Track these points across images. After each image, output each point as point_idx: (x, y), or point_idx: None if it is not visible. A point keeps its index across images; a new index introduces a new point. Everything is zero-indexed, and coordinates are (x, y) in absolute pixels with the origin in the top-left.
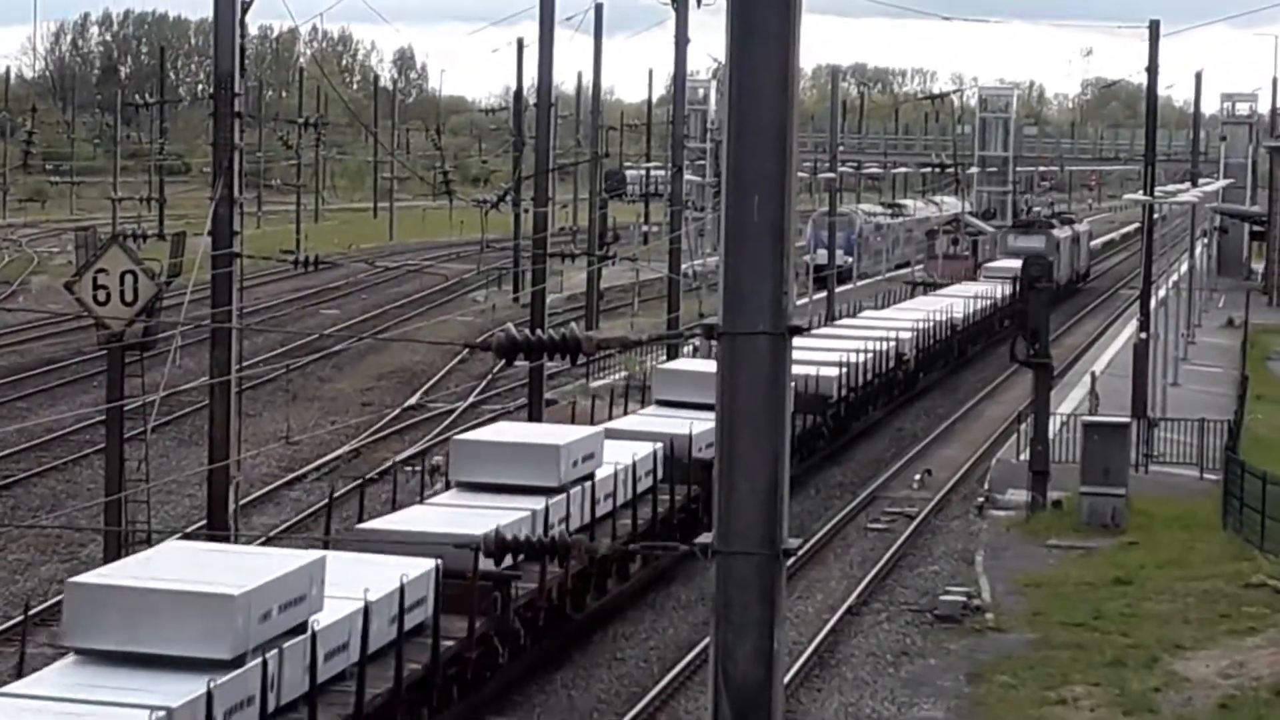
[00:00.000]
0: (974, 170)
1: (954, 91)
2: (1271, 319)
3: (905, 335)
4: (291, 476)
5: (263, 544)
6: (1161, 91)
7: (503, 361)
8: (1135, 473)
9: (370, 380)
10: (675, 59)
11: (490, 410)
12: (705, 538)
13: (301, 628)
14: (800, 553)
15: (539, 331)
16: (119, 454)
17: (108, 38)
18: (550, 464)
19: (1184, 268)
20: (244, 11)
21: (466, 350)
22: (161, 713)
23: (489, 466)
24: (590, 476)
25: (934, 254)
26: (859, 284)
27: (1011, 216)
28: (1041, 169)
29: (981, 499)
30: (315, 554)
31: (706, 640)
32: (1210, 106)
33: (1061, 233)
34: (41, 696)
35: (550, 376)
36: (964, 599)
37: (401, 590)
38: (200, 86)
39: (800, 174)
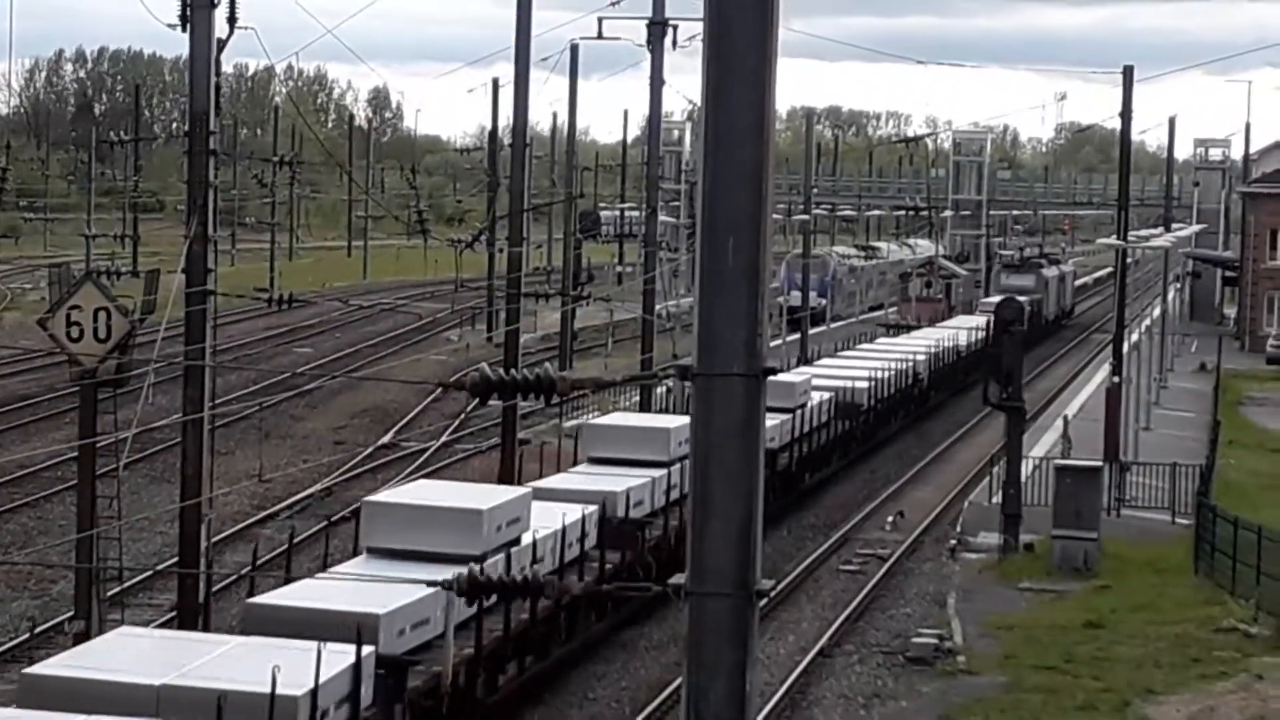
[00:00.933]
0: (947, 213)
1: (928, 135)
2: (1244, 364)
3: (920, 358)
4: (264, 514)
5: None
6: (1135, 137)
7: (476, 401)
8: (1107, 516)
9: (343, 419)
10: (650, 100)
11: (463, 449)
12: (678, 578)
13: (518, 540)
14: (773, 594)
15: (513, 371)
16: (91, 491)
17: (82, 75)
18: (662, 443)
19: (1157, 312)
20: (219, 50)
21: (440, 389)
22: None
23: (614, 445)
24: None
25: (907, 296)
26: (833, 326)
27: (984, 260)
28: (1015, 213)
29: (954, 541)
30: (525, 489)
31: (678, 681)
32: (1183, 152)
33: (1050, 272)
34: (353, 576)
35: (523, 416)
36: (936, 641)
37: (583, 520)
38: (175, 124)
39: (775, 216)
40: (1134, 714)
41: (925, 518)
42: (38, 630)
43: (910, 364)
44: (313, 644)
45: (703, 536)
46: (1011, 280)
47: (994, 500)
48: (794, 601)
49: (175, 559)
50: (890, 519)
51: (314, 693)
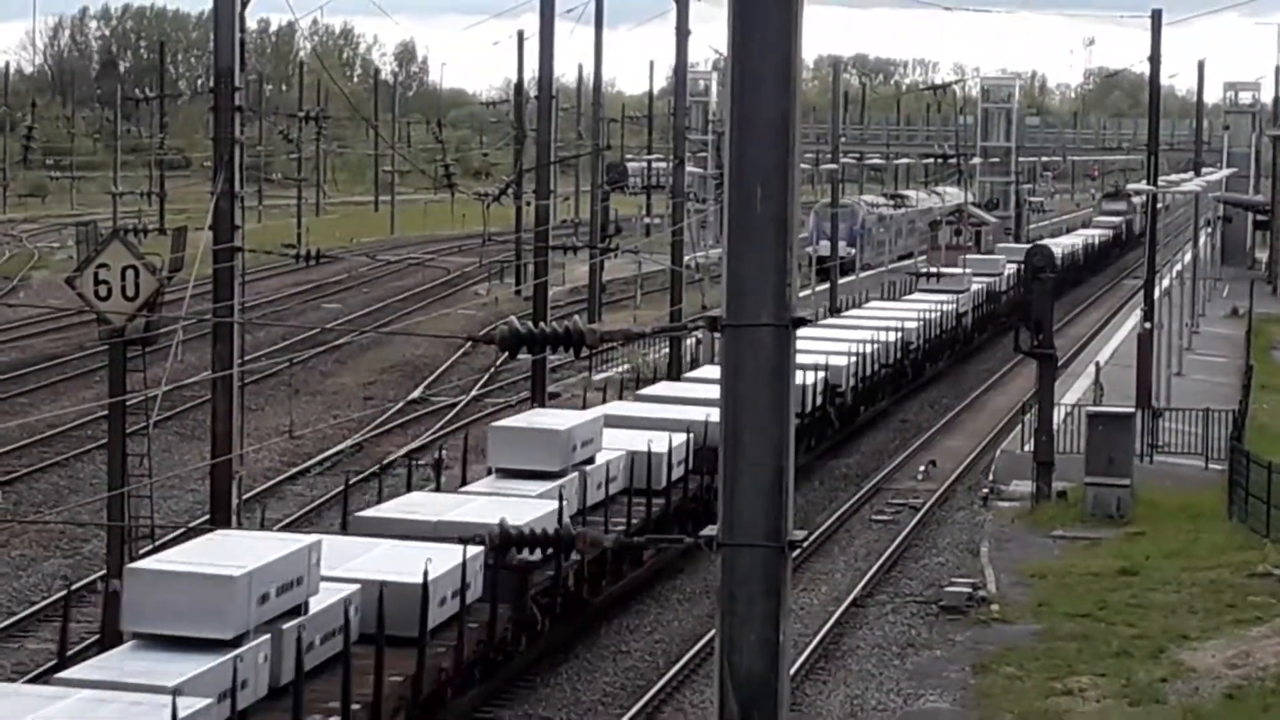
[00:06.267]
0: (976, 161)
1: (956, 82)
2: (1275, 308)
3: (1009, 272)
4: (294, 470)
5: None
6: (1164, 81)
7: (505, 354)
8: (1140, 463)
9: (372, 374)
10: (676, 50)
11: (493, 404)
12: (710, 530)
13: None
14: (805, 545)
15: (542, 324)
16: (121, 449)
17: (106, 32)
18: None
19: (1188, 257)
20: (243, 5)
21: (469, 343)
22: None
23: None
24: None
25: (937, 244)
26: (862, 275)
27: (1014, 207)
28: (1044, 159)
29: (986, 490)
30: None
31: (712, 633)
32: (1213, 96)
33: (1136, 200)
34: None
35: (553, 369)
36: (969, 590)
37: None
38: (200, 80)
39: (802, 165)
40: (1169, 660)
41: (957, 466)
42: (74, 588)
43: (997, 282)
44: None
45: (734, 488)
46: (1111, 206)
47: (1026, 448)
48: (826, 552)
49: (207, 516)
50: (922, 468)
51: None
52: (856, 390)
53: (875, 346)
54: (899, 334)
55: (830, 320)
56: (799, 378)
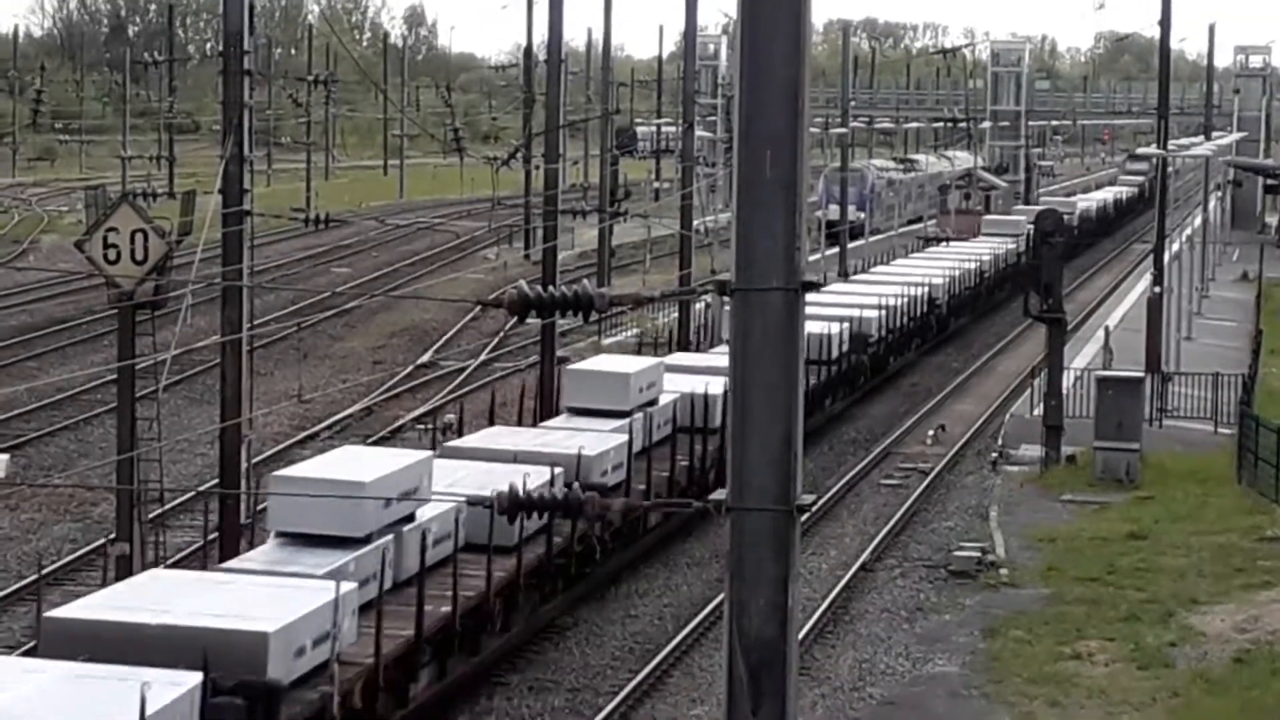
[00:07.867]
0: (986, 125)
1: (966, 46)
2: None
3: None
4: (304, 435)
5: None
6: (1174, 45)
7: (515, 319)
8: (1149, 427)
9: (381, 338)
10: (686, 14)
11: (502, 368)
12: (719, 494)
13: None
14: (814, 509)
15: (551, 289)
16: (130, 413)
17: None
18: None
19: (1198, 221)
20: None
21: (478, 308)
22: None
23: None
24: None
25: (946, 209)
26: (871, 239)
27: (1024, 171)
28: (1053, 123)
29: (995, 454)
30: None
31: (721, 597)
32: (1224, 59)
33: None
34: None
35: (562, 334)
36: (978, 554)
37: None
38: (209, 44)
39: (812, 129)
40: (1178, 624)
41: (966, 431)
42: (79, 554)
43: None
44: None
45: (744, 452)
46: (1134, 166)
47: (1035, 412)
48: (835, 516)
49: (216, 480)
50: (931, 432)
51: None
52: (949, 304)
53: (961, 272)
54: (977, 264)
55: (921, 254)
56: (911, 291)
